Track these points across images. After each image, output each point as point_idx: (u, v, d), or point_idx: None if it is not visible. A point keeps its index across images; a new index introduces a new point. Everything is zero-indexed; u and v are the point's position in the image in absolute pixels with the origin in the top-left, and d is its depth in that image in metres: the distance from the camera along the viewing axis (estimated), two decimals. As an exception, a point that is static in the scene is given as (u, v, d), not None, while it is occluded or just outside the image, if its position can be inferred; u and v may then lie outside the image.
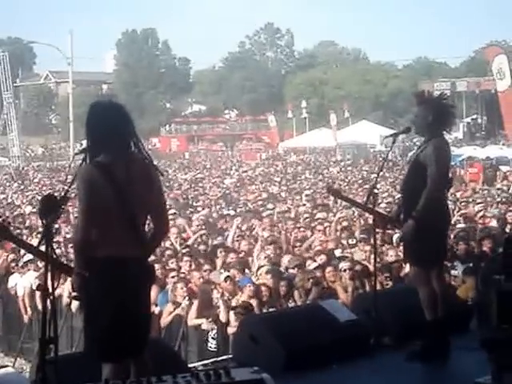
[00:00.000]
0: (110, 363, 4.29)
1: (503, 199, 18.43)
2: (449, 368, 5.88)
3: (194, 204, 20.27)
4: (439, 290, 5.89)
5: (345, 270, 9.25)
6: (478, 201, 17.62)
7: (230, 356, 6.57)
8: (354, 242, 11.56)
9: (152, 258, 5.90)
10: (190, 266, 10.29)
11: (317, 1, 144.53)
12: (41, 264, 9.89)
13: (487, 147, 37.09)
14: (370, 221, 9.49)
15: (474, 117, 50.98)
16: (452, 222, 9.37)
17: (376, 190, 6.47)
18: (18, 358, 10.77)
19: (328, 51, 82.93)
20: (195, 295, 9.07)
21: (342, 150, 47.56)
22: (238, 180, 31.11)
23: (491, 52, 46.24)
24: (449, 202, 6.99)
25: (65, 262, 5.74)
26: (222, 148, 60.34)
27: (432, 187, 5.68)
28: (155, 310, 8.91)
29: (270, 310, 8.37)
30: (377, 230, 7.26)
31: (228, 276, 9.24)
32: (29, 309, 11.10)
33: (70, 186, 4.32)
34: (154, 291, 8.31)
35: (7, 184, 32.20)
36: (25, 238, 12.04)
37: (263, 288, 8.83)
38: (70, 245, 10.49)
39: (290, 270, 9.74)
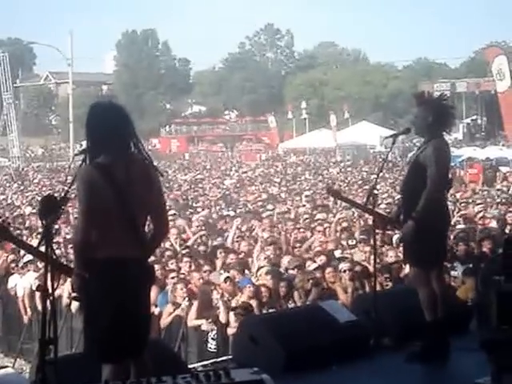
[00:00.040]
0: (109, 364, 4.29)
1: (503, 200, 18.43)
2: (448, 369, 5.87)
3: (194, 205, 20.27)
4: (439, 290, 5.89)
5: (344, 271, 9.25)
6: (478, 202, 17.62)
7: (230, 357, 6.57)
8: (354, 242, 11.56)
9: (152, 258, 5.90)
10: (190, 266, 10.30)
11: (317, 2, 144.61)
12: (41, 265, 9.89)
13: (487, 148, 37.11)
14: (370, 222, 9.50)
15: (474, 118, 51.00)
16: (452, 223, 9.37)
17: (376, 191, 6.47)
18: (18, 359, 10.77)
19: (328, 52, 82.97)
20: (195, 296, 9.07)
21: (341, 150, 47.56)
22: (237, 181, 31.11)
23: (491, 53, 46.26)
24: (448, 203, 6.99)
25: (65, 263, 5.74)
26: (222, 149, 60.33)
27: (432, 188, 5.68)
28: (155, 310, 8.91)
29: (270, 310, 8.36)
30: (376, 231, 7.26)
31: (228, 277, 9.24)
32: (28, 309, 11.11)
33: (69, 187, 4.32)
34: (153, 292, 8.32)
35: (7, 185, 32.19)
36: (25, 238, 12.05)
37: (263, 289, 8.83)
38: (70, 245, 10.50)
39: (290, 271, 9.74)
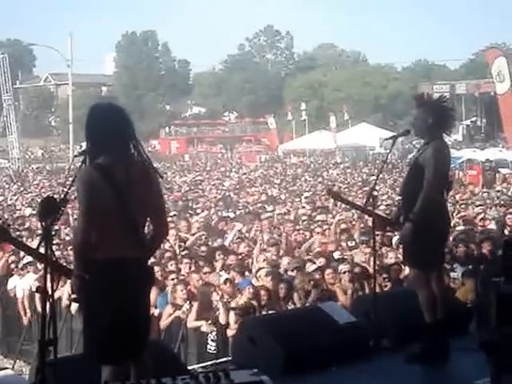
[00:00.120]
0: (109, 365, 4.29)
1: (502, 202, 18.45)
2: (448, 370, 5.88)
3: (194, 206, 20.26)
4: (438, 292, 5.89)
5: (344, 272, 9.25)
6: (478, 203, 17.62)
7: (230, 358, 6.57)
8: (354, 244, 11.57)
9: (151, 259, 5.90)
10: (190, 268, 10.30)
11: (316, 3, 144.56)
12: (40, 266, 9.89)
13: (486, 150, 37.15)
14: (370, 223, 9.50)
15: (474, 119, 51.01)
16: (451, 225, 9.37)
17: (375, 193, 6.47)
18: (18, 360, 10.77)
19: (327, 53, 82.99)
20: (195, 297, 9.07)
21: (341, 152, 47.60)
22: (237, 182, 31.13)
23: (491, 54, 46.25)
24: (448, 205, 6.98)
25: (64, 264, 5.74)
26: (222, 150, 60.31)
27: (428, 189, 5.69)
28: (155, 312, 8.91)
29: (270, 312, 8.36)
30: (376, 233, 7.27)
31: (227, 278, 9.25)
32: (28, 311, 11.11)
33: (69, 188, 4.32)
34: (153, 293, 8.32)
35: (7, 186, 32.20)
36: (24, 240, 12.03)
37: (263, 290, 8.83)
38: (70, 247, 10.51)
39: (290, 272, 9.73)
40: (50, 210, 3.97)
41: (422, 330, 5.87)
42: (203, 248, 11.81)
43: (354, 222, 13.88)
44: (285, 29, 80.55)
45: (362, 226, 13.08)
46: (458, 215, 14.70)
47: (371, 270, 8.25)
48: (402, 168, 30.55)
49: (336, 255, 10.84)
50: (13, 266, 11.77)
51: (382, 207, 15.33)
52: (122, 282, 4.20)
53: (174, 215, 15.62)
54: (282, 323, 6.28)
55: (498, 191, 23.55)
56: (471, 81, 51.70)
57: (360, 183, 27.46)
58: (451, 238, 10.56)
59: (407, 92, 52.95)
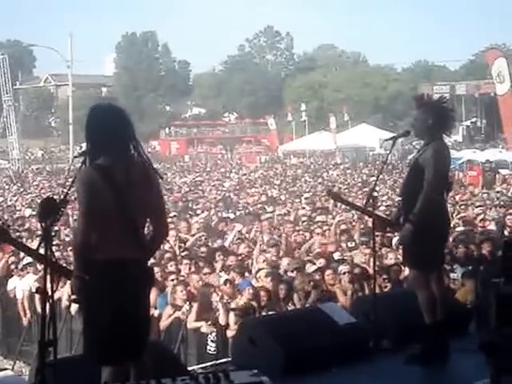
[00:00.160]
0: (109, 366, 4.29)
1: (502, 202, 18.45)
2: (448, 371, 5.88)
3: (194, 207, 20.26)
4: (438, 293, 5.89)
5: (344, 273, 9.25)
6: (478, 204, 17.63)
7: (229, 359, 6.57)
8: (354, 245, 11.57)
9: (151, 260, 5.90)
10: (190, 268, 10.30)
11: (316, 4, 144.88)
12: (40, 267, 9.89)
13: (486, 150, 37.15)
14: (370, 224, 9.50)
15: (474, 120, 50.97)
16: (451, 225, 9.37)
17: (375, 193, 6.47)
18: (17, 361, 10.77)
19: (327, 54, 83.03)
20: (195, 298, 9.07)
21: (341, 153, 47.60)
22: (237, 183, 31.13)
23: (491, 55, 46.25)
24: (448, 205, 6.98)
25: (64, 265, 5.74)
26: (222, 151, 60.32)
27: (428, 190, 5.69)
28: (154, 312, 8.91)
29: (270, 312, 8.36)
30: (376, 233, 7.26)
31: (227, 279, 9.25)
32: (28, 312, 11.10)
33: (69, 189, 4.32)
34: (153, 294, 8.32)
35: (7, 187, 32.18)
36: (24, 240, 12.03)
37: (262, 291, 8.83)
38: (70, 248, 10.51)
39: (290, 273, 9.73)
40: (49, 210, 3.98)
41: (421, 331, 5.87)
42: (203, 249, 11.81)
43: (353, 223, 13.88)
44: (285, 30, 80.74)
45: (361, 226, 13.08)
46: (458, 216, 14.70)
47: (371, 271, 8.25)
48: (402, 169, 30.55)
49: (336, 256, 10.84)
50: (13, 266, 11.78)
51: (381, 208, 15.33)
52: (122, 282, 4.21)
53: (174, 216, 15.62)
54: (282, 324, 6.28)
55: (497, 192, 23.54)
56: (471, 82, 51.67)
57: (360, 184, 27.46)
58: (451, 239, 10.56)
59: (407, 93, 52.94)
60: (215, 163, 48.07)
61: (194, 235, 13.09)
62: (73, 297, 4.81)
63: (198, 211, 18.57)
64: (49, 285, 3.89)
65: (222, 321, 8.53)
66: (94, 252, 4.24)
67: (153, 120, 65.49)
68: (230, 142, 61.45)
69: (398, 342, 6.33)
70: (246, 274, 10.01)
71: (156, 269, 8.81)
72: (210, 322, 8.66)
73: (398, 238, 7.96)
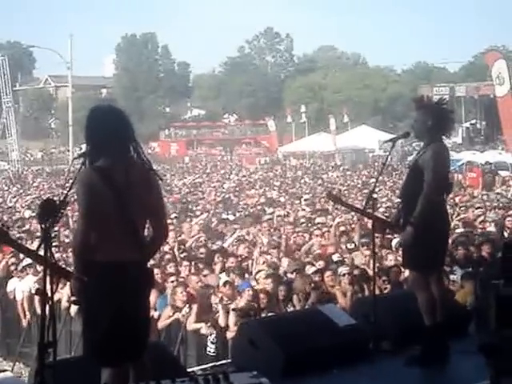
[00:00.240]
0: (109, 367, 4.29)
1: (501, 204, 18.45)
2: (447, 373, 5.88)
3: (194, 208, 20.27)
4: (438, 294, 5.89)
5: (344, 275, 9.24)
6: (477, 206, 17.63)
7: (229, 360, 6.57)
8: (353, 246, 11.57)
9: (151, 262, 5.90)
10: (189, 270, 10.31)
11: (316, 5, 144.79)
12: (40, 268, 9.88)
13: (486, 152, 37.15)
14: (369, 225, 9.50)
15: (473, 122, 50.99)
16: (451, 227, 9.38)
17: (375, 195, 6.47)
18: (17, 363, 10.77)
19: (327, 56, 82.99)
20: (194, 299, 9.07)
21: (341, 154, 47.58)
22: (237, 184, 31.12)
23: (491, 57, 46.22)
24: (448, 207, 6.98)
25: (64, 267, 5.74)
26: (222, 152, 60.30)
27: (428, 192, 5.69)
28: (154, 314, 8.91)
29: (269, 314, 8.36)
30: (376, 235, 7.26)
31: (227, 280, 9.25)
32: (28, 313, 11.11)
33: (69, 190, 4.32)
34: (153, 295, 8.32)
35: (6, 188, 32.16)
36: (24, 242, 12.03)
37: (262, 292, 8.82)
38: (69, 249, 10.50)
39: (289, 275, 9.74)
40: (49, 212, 3.97)
41: (421, 333, 5.86)
42: (203, 250, 11.82)
43: (353, 225, 13.87)
44: (284, 31, 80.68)
45: (361, 228, 13.08)
46: (458, 218, 14.70)
47: (371, 273, 8.25)
48: (402, 170, 30.54)
49: (335, 257, 10.83)
50: (12, 268, 11.78)
51: (381, 209, 15.34)
52: (122, 284, 4.20)
53: (174, 217, 15.63)
54: (282, 325, 6.28)
55: (497, 194, 23.56)
56: (471, 83, 51.66)
57: (360, 185, 27.46)
58: (451, 241, 10.56)
59: (407, 94, 52.94)
60: (215, 164, 48.04)
61: (193, 236, 13.10)
62: (72, 298, 4.81)
63: (198, 212, 18.58)
64: (48, 286, 3.89)
65: (221, 322, 8.53)
66: (94, 253, 4.24)
67: (152, 121, 65.47)
68: (230, 144, 61.44)
69: (398, 343, 6.33)
70: (246, 275, 10.02)
71: (156, 270, 8.82)
72: (209, 324, 8.67)
73: (397, 239, 7.96)
